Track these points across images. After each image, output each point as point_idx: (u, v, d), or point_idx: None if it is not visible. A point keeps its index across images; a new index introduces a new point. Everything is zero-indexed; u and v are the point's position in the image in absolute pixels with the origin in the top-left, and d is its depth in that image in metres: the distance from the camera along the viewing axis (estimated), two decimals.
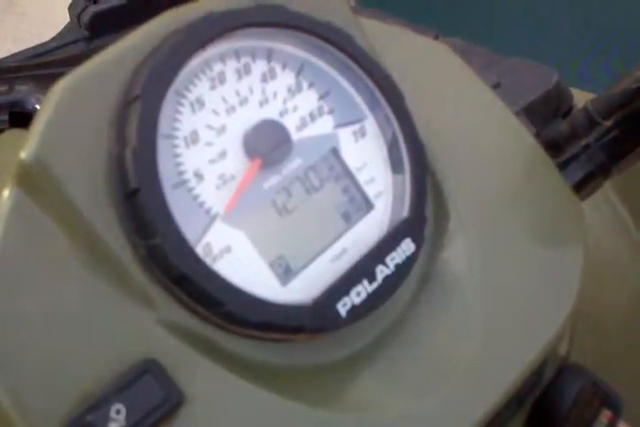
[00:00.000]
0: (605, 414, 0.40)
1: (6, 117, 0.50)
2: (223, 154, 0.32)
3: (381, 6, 0.64)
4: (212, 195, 0.31)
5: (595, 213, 0.59)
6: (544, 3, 1.72)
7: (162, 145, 0.30)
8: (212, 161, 0.32)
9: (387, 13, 0.61)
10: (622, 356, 0.57)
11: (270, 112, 0.34)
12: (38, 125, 0.29)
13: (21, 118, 0.50)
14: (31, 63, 0.58)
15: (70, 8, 0.60)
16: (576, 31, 1.67)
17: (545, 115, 0.56)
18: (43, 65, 0.58)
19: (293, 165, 0.34)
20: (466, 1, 1.80)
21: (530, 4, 1.75)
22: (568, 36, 1.66)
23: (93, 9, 0.59)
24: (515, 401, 0.37)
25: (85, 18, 0.59)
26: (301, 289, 0.33)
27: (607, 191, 0.60)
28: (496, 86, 0.54)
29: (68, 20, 0.61)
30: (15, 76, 0.55)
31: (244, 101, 0.33)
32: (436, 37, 0.57)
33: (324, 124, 0.35)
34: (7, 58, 0.59)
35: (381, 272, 0.34)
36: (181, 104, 0.31)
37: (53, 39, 0.61)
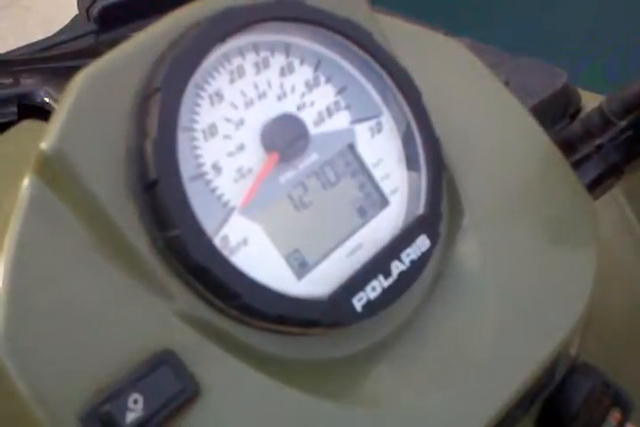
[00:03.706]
0: (615, 416, 0.40)
1: (12, 110, 0.50)
2: (241, 147, 0.32)
3: (387, 5, 0.64)
4: (230, 188, 0.31)
5: (603, 213, 0.59)
6: (553, 4, 1.72)
7: (181, 137, 0.30)
8: (230, 154, 0.32)
9: (396, 12, 0.61)
10: (627, 356, 0.57)
11: (288, 106, 0.34)
12: (59, 116, 0.29)
13: (29, 111, 0.50)
14: (38, 56, 0.58)
15: (79, 1, 0.60)
16: (585, 32, 1.67)
17: (552, 116, 0.56)
18: (50, 58, 0.58)
19: (310, 159, 0.34)
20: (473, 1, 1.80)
21: (539, 4, 1.74)
22: (578, 37, 1.66)
23: (103, 2, 0.59)
24: (526, 400, 0.37)
25: (94, 11, 0.59)
26: (317, 283, 0.33)
27: (615, 192, 0.60)
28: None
29: (73, 14, 0.61)
30: (21, 69, 0.55)
31: (262, 95, 0.33)
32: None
33: (341, 120, 0.35)
34: (15, 51, 0.58)
35: (397, 268, 0.34)
36: (201, 97, 0.31)
37: (61, 32, 0.61)
